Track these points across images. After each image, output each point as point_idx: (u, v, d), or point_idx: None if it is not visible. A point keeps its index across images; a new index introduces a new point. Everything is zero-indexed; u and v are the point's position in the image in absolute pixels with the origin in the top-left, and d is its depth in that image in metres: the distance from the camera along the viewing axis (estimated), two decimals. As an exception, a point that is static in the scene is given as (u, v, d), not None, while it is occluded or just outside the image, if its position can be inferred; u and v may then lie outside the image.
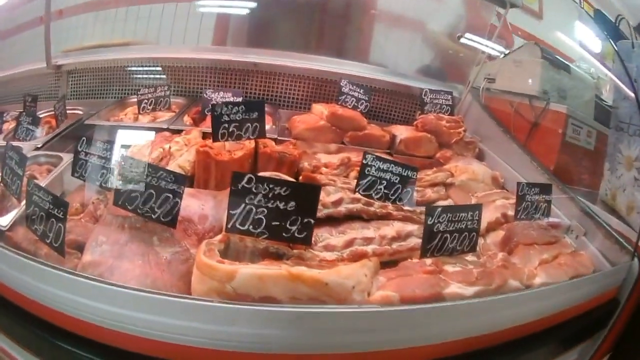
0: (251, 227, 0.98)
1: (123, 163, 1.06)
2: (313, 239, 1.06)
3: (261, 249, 1.00)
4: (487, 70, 1.97)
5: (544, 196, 1.48)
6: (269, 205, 0.99)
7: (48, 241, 0.97)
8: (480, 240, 1.40)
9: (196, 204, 1.14)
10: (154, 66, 1.93)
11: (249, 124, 1.44)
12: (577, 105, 1.80)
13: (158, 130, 1.68)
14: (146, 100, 1.82)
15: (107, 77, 1.95)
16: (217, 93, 1.72)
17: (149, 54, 1.91)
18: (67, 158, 1.46)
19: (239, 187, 0.97)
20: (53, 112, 1.77)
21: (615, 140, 1.69)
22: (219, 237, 1.00)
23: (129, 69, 1.96)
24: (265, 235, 0.99)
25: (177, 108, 1.87)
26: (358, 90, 1.71)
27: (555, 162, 1.65)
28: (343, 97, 1.71)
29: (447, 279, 1.10)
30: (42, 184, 1.18)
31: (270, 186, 0.98)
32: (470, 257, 1.29)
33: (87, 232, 1.04)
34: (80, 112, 1.88)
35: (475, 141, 1.78)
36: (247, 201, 0.98)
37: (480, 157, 1.79)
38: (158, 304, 0.83)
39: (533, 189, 1.44)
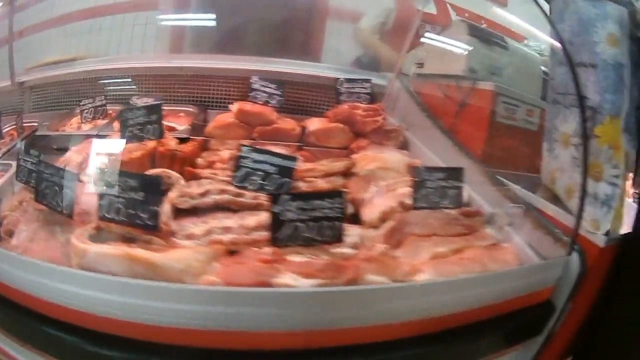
0: (114, 215, 1.08)
1: (39, 167, 1.22)
2: (176, 227, 1.16)
3: (121, 234, 1.09)
4: (418, 56, 1.81)
5: (451, 182, 1.30)
6: (125, 195, 1.08)
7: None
8: (372, 232, 1.24)
9: (94, 199, 1.20)
10: (102, 78, 2.01)
11: (149, 126, 1.48)
12: (517, 84, 1.59)
13: (88, 136, 1.71)
14: (87, 110, 1.91)
15: (64, 90, 2.07)
16: (141, 99, 1.74)
17: (95, 66, 2.00)
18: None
19: (102, 180, 1.12)
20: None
21: (550, 115, 1.46)
22: (94, 224, 1.12)
23: (82, 81, 2.05)
24: (124, 223, 1.08)
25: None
26: (270, 85, 1.66)
27: (483, 145, 1.45)
28: (253, 93, 1.67)
29: (284, 268, 1.00)
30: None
31: (124, 179, 1.08)
32: (346, 249, 1.15)
33: (17, 223, 1.25)
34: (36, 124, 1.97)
35: (398, 129, 1.62)
36: (109, 193, 1.10)
37: (405, 145, 1.63)
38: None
39: (435, 174, 1.28)
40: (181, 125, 1.66)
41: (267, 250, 1.06)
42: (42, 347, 1.01)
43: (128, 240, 1.09)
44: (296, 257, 1.06)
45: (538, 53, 1.76)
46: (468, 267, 1.15)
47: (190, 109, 1.80)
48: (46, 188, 1.18)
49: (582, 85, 1.32)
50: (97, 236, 1.08)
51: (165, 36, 2.02)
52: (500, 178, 1.46)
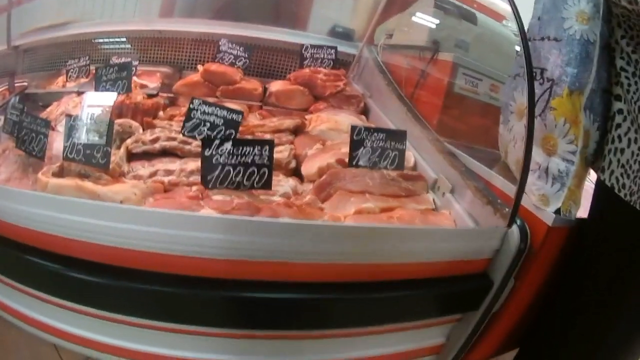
0: (75, 155, 1.19)
1: (21, 117, 1.33)
2: (127, 169, 1.26)
3: (78, 172, 1.20)
4: (389, 26, 1.78)
5: (393, 143, 1.29)
6: (81, 139, 1.20)
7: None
8: (308, 185, 1.25)
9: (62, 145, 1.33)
10: (87, 40, 2.09)
11: (119, 82, 1.56)
12: (486, 60, 1.55)
13: (68, 93, 1.82)
14: (72, 70, 2.00)
15: (54, 52, 2.15)
16: (119, 59, 1.78)
17: (82, 29, 2.07)
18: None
19: (69, 126, 1.22)
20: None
21: (509, 88, 1.42)
22: (58, 163, 1.22)
23: (70, 43, 2.13)
24: (82, 162, 1.19)
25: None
26: (238, 48, 1.67)
27: (439, 114, 1.42)
28: (221, 54, 1.69)
29: (205, 205, 1.04)
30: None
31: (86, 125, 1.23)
32: (276, 198, 1.17)
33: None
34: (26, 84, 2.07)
35: (359, 95, 1.62)
36: (72, 136, 1.21)
37: (365, 112, 1.62)
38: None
39: (376, 134, 1.27)
40: (153, 83, 1.69)
41: (194, 188, 1.11)
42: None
43: (83, 176, 1.19)
44: (219, 197, 1.08)
45: (514, 33, 1.71)
46: (394, 224, 1.13)
47: (167, 70, 1.83)
48: (25, 135, 1.29)
49: (543, 57, 1.26)
50: (59, 173, 1.20)
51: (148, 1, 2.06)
52: (451, 147, 1.43)
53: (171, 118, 1.49)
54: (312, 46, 1.70)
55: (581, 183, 1.26)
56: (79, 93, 1.78)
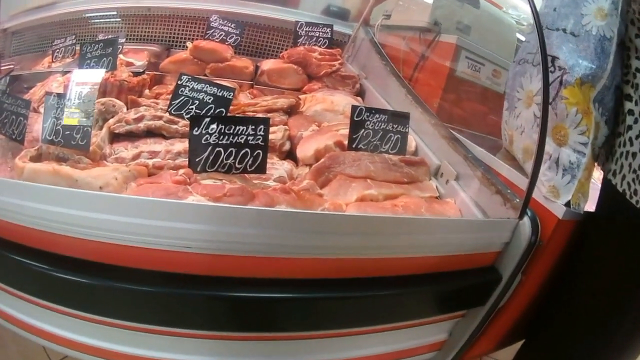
0: (54, 137, 1.08)
1: (2, 98, 1.20)
2: (108, 151, 1.12)
3: (57, 155, 1.09)
4: (386, 7, 1.65)
5: (395, 126, 1.17)
6: (60, 119, 1.09)
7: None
8: (303, 169, 1.12)
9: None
10: (74, 19, 1.94)
11: (104, 59, 1.44)
12: (487, 44, 1.43)
13: (53, 73, 1.65)
14: (57, 50, 1.84)
15: (43, 33, 2.00)
16: (106, 36, 1.64)
17: (69, 9, 1.91)
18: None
19: (48, 106, 1.11)
20: (-4, 67, 1.85)
21: (515, 74, 1.31)
22: (36, 147, 1.10)
23: (57, 23, 1.99)
24: (61, 144, 1.08)
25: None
26: (229, 24, 1.53)
27: (440, 98, 1.30)
28: (211, 31, 1.56)
29: (192, 190, 0.90)
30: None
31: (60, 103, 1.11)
32: (270, 182, 1.04)
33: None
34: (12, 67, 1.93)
35: (355, 76, 1.49)
36: (52, 116, 1.10)
37: (361, 93, 1.50)
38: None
39: (377, 116, 1.14)
40: (140, 61, 1.53)
41: (181, 172, 0.97)
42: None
43: (61, 160, 1.08)
44: (209, 181, 0.94)
45: (516, 21, 1.60)
46: (400, 214, 1.01)
47: (155, 48, 1.68)
48: (5, 118, 1.17)
49: (555, 46, 1.16)
50: (37, 157, 1.09)
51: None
52: (454, 132, 1.31)
53: (157, 96, 1.35)
54: (307, 24, 1.56)
55: (590, 176, 1.18)
56: (64, 73, 1.63)
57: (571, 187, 1.12)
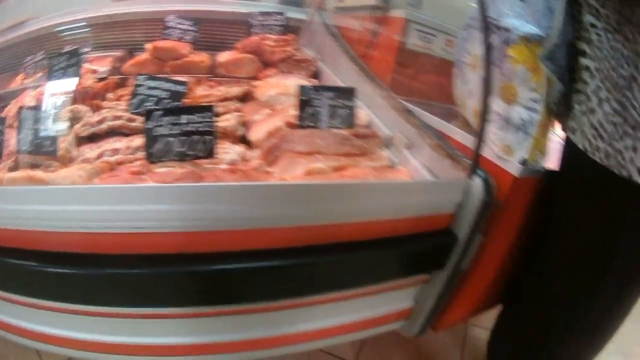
0: (27, 147, 1.17)
1: None
2: (76, 154, 1.19)
3: (31, 163, 1.17)
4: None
5: (342, 101, 1.22)
6: (32, 130, 1.18)
7: None
8: (258, 152, 1.18)
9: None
10: (43, 35, 1.97)
11: (69, 69, 1.47)
12: (442, 17, 1.47)
13: (25, 89, 1.71)
14: (29, 67, 1.87)
15: (15, 52, 2.02)
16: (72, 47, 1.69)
17: (37, 25, 1.95)
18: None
19: (20, 119, 1.18)
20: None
21: (462, 40, 1.35)
22: (13, 158, 1.18)
23: (28, 41, 2.01)
24: (34, 152, 1.16)
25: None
26: (186, 22, 1.59)
27: (393, 71, 1.35)
28: (167, 31, 1.62)
29: (148, 179, 0.99)
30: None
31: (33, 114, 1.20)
32: (222, 166, 1.10)
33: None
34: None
35: (309, 59, 1.55)
36: (24, 128, 1.18)
37: (317, 76, 1.55)
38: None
39: (323, 93, 1.20)
40: (103, 67, 1.60)
41: (137, 163, 1.06)
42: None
43: (34, 166, 1.16)
44: (163, 169, 1.01)
45: (469, -10, 1.62)
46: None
47: (119, 53, 1.74)
48: None
49: (501, 10, 1.18)
50: (14, 167, 1.17)
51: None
52: (407, 104, 1.36)
53: (120, 98, 1.42)
54: (260, 13, 1.62)
55: (546, 132, 1.18)
56: (35, 87, 1.72)
57: (525, 144, 1.12)
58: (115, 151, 1.17)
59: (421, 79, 1.50)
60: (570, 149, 1.08)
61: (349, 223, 0.99)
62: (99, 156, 1.16)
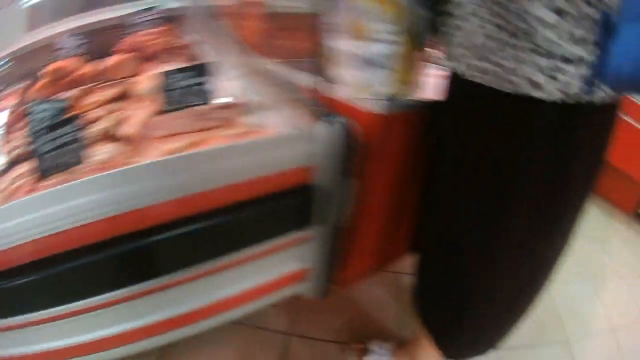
0: None
1: None
2: None
3: None
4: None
5: (195, 79, 1.31)
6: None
7: None
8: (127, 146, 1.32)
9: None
10: None
11: None
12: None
13: None
14: None
15: None
16: None
17: None
18: None
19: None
20: None
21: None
22: None
23: None
24: None
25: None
26: (76, 37, 1.70)
27: (267, 36, 1.44)
28: (59, 52, 1.72)
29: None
30: None
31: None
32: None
33: None
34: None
35: (187, 44, 1.64)
36: None
37: (199, 57, 1.65)
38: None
39: (180, 74, 1.29)
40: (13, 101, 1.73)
41: (26, 181, 1.24)
42: None
43: None
44: (49, 182, 1.17)
45: None
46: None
47: (26, 84, 1.83)
48: None
49: None
50: None
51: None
52: (271, 67, 1.44)
53: (24, 127, 1.55)
54: (135, 13, 1.69)
55: (412, 64, 1.16)
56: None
57: (388, 80, 1.11)
58: (21, 176, 1.31)
59: (295, 38, 1.57)
60: (453, 78, 1.03)
61: (207, 191, 1.07)
62: (8, 186, 1.28)
